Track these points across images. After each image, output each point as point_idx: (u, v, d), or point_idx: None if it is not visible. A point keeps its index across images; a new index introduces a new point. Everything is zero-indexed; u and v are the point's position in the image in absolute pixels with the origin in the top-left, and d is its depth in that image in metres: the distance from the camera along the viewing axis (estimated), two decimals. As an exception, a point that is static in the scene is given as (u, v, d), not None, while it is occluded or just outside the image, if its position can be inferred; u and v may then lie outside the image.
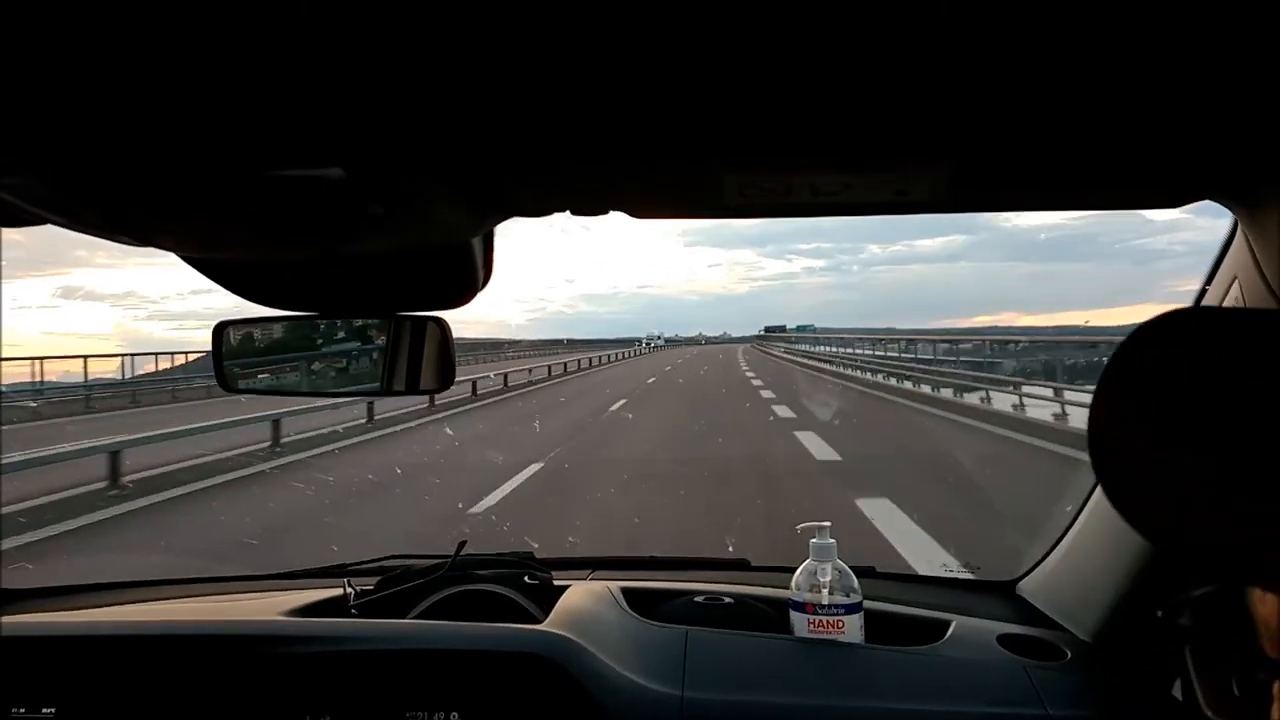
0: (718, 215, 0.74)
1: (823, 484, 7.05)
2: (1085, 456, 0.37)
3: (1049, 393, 11.29)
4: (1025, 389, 12.35)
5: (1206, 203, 0.73)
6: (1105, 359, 0.36)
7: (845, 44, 0.45)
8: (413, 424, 12.73)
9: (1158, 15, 0.42)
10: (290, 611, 1.18)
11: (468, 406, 16.10)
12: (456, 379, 0.99)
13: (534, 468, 8.07)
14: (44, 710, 1.02)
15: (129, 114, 0.50)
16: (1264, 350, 0.32)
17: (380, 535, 5.34)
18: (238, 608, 1.31)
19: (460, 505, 6.41)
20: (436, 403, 14.61)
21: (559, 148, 0.59)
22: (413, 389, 0.98)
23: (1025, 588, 1.29)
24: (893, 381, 18.99)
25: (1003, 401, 12.63)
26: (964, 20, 0.42)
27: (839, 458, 8.25)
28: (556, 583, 1.26)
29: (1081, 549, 1.18)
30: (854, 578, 1.12)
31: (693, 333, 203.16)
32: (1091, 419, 0.33)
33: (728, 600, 1.21)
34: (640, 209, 0.72)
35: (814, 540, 1.13)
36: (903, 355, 22.30)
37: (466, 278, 0.84)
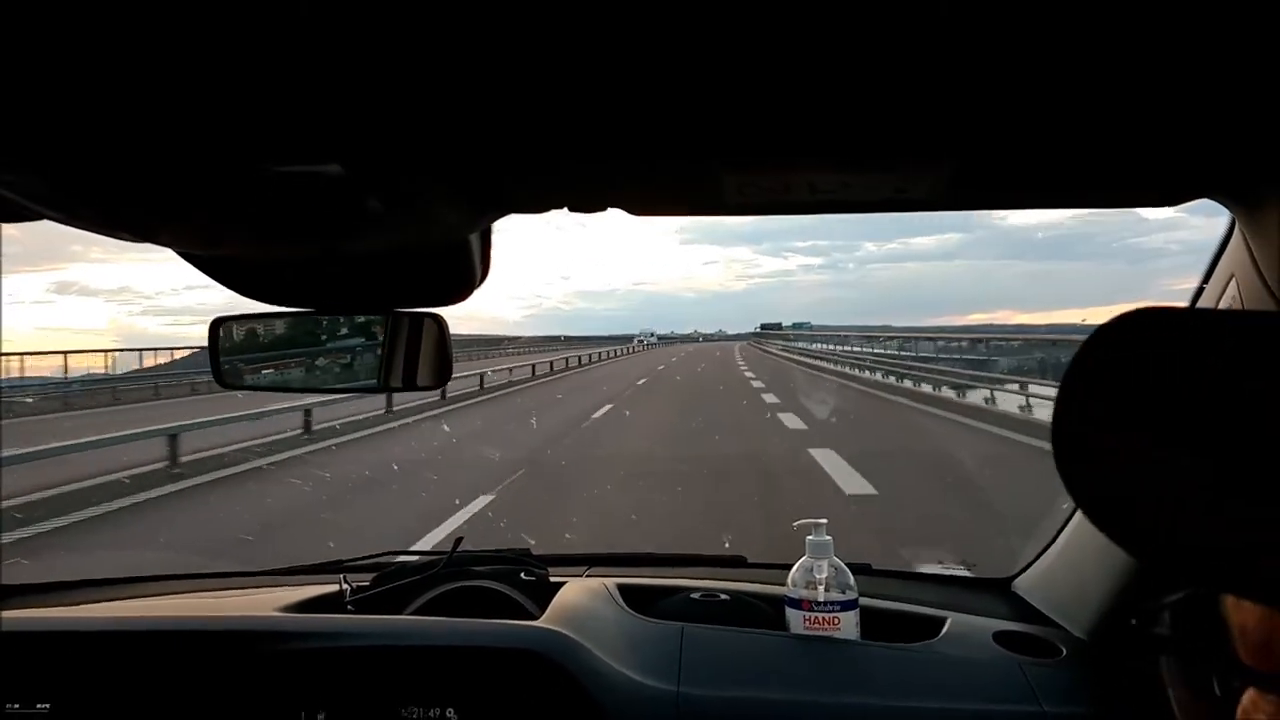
0: (716, 213, 0.74)
1: (857, 533, 5.07)
2: None
3: (1052, 392, 10.85)
4: (1032, 389, 12.00)
5: (1203, 201, 0.73)
6: None
7: (844, 44, 0.45)
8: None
9: (1156, 14, 0.42)
10: (286, 607, 1.18)
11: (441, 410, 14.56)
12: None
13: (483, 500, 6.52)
14: (39, 706, 1.02)
15: (128, 110, 0.50)
16: (1228, 350, 0.32)
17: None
18: (234, 603, 1.31)
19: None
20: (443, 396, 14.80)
21: (558, 147, 0.59)
22: (409, 385, 0.98)
23: (1021, 585, 1.30)
24: (908, 384, 17.48)
25: (1010, 403, 12.17)
26: (963, 20, 0.42)
27: (872, 489, 6.41)
28: (553, 579, 1.26)
29: (1077, 546, 1.18)
30: (850, 574, 1.12)
31: (688, 330, 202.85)
32: (1055, 422, 0.33)
33: (724, 597, 1.21)
34: (639, 206, 0.72)
35: (810, 537, 1.13)
36: (903, 354, 21.91)
37: (464, 274, 0.84)
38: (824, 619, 1.10)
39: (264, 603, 1.21)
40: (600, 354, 45.87)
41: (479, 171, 0.63)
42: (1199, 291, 0.91)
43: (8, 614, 1.15)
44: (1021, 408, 11.55)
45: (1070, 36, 0.44)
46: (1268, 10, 0.41)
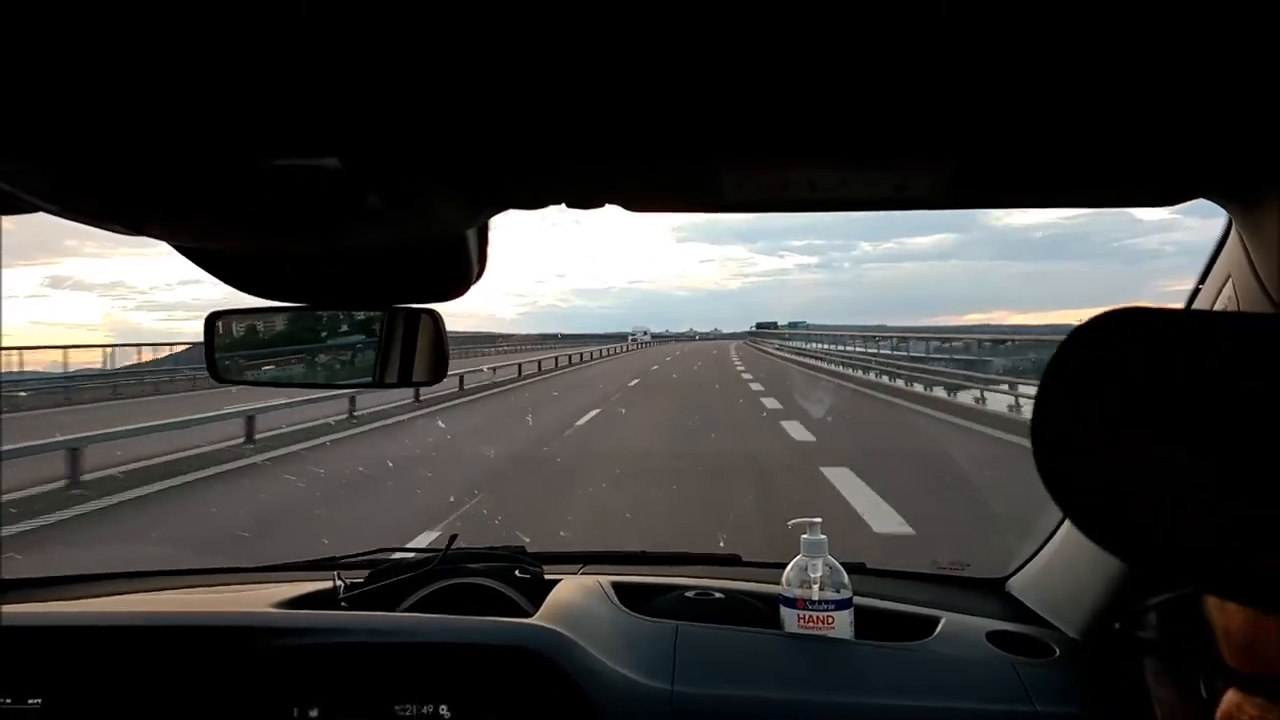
0: (715, 210, 0.74)
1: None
2: None
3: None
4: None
5: (1199, 202, 0.73)
6: None
7: (844, 41, 0.45)
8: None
9: (1155, 14, 0.42)
10: (280, 603, 1.17)
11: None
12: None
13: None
14: (30, 701, 1.02)
15: (126, 102, 0.50)
16: (1208, 350, 0.32)
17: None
18: (227, 599, 1.31)
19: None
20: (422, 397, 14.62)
21: (557, 143, 0.59)
22: (405, 381, 0.98)
23: (1015, 585, 1.30)
24: (918, 388, 16.22)
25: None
26: (962, 20, 0.42)
27: (909, 530, 5.24)
28: (547, 577, 1.26)
29: (1070, 547, 1.19)
30: (844, 574, 1.12)
31: (684, 328, 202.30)
32: (1034, 422, 0.33)
33: (718, 595, 1.21)
34: (637, 203, 0.72)
35: (805, 536, 1.13)
36: (908, 354, 21.35)
37: (460, 270, 0.83)
38: (818, 618, 1.10)
39: (258, 599, 1.21)
40: (592, 353, 44.95)
41: (477, 167, 0.62)
42: (1195, 292, 0.92)
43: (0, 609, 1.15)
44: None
45: (1069, 36, 0.44)
46: (1266, 11, 0.41)
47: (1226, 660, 0.40)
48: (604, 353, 49.03)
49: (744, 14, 0.42)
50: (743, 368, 28.86)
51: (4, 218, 0.69)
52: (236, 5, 0.41)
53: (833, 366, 25.97)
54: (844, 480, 6.67)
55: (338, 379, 1.05)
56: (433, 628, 1.06)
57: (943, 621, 1.15)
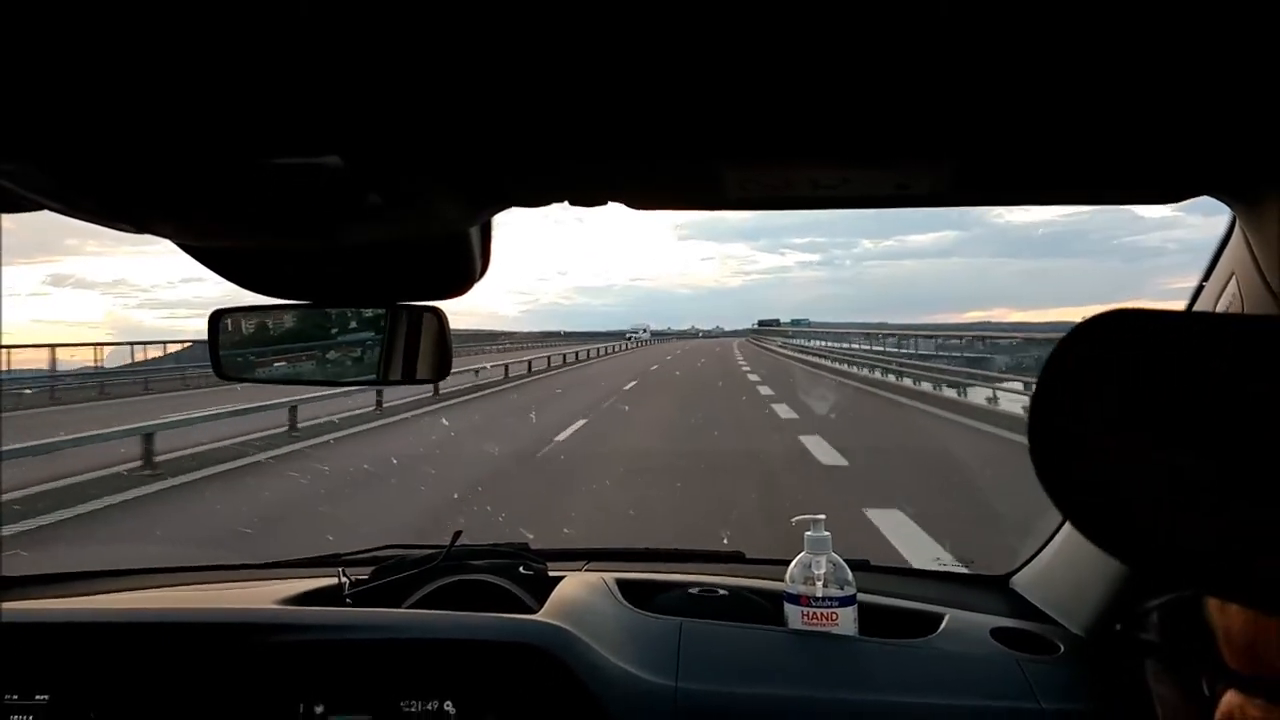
0: (718, 207, 0.74)
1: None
2: None
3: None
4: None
5: (1201, 200, 0.73)
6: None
7: (846, 41, 0.45)
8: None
9: (1158, 12, 0.42)
10: (285, 600, 1.18)
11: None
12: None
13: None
14: (38, 697, 1.02)
15: (129, 101, 0.50)
16: (1206, 351, 0.32)
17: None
18: (232, 596, 1.31)
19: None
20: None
21: (559, 142, 0.59)
22: (409, 378, 0.98)
23: (1019, 582, 1.30)
24: (950, 393, 14.43)
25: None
26: (964, 18, 0.42)
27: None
28: (551, 573, 1.26)
29: (1074, 544, 1.19)
30: (848, 571, 1.13)
31: (685, 326, 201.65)
32: (1031, 422, 0.33)
33: (722, 592, 1.21)
34: (640, 201, 0.72)
35: (809, 533, 1.14)
36: (913, 351, 20.74)
37: (464, 268, 0.83)
38: (822, 614, 1.10)
39: (262, 595, 1.21)
40: (589, 351, 42.97)
41: (479, 165, 0.63)
42: (1199, 290, 0.91)
43: (7, 605, 1.16)
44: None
45: (1071, 33, 0.44)
46: (1269, 8, 0.41)
47: (1227, 662, 0.40)
48: (602, 351, 47.43)
49: (746, 12, 0.42)
50: (748, 368, 26.96)
51: (5, 216, 0.69)
52: (239, 5, 0.41)
53: (842, 366, 24.27)
54: (898, 529, 5.23)
55: (342, 376, 1.06)
56: (437, 624, 1.07)
57: (947, 618, 1.15)
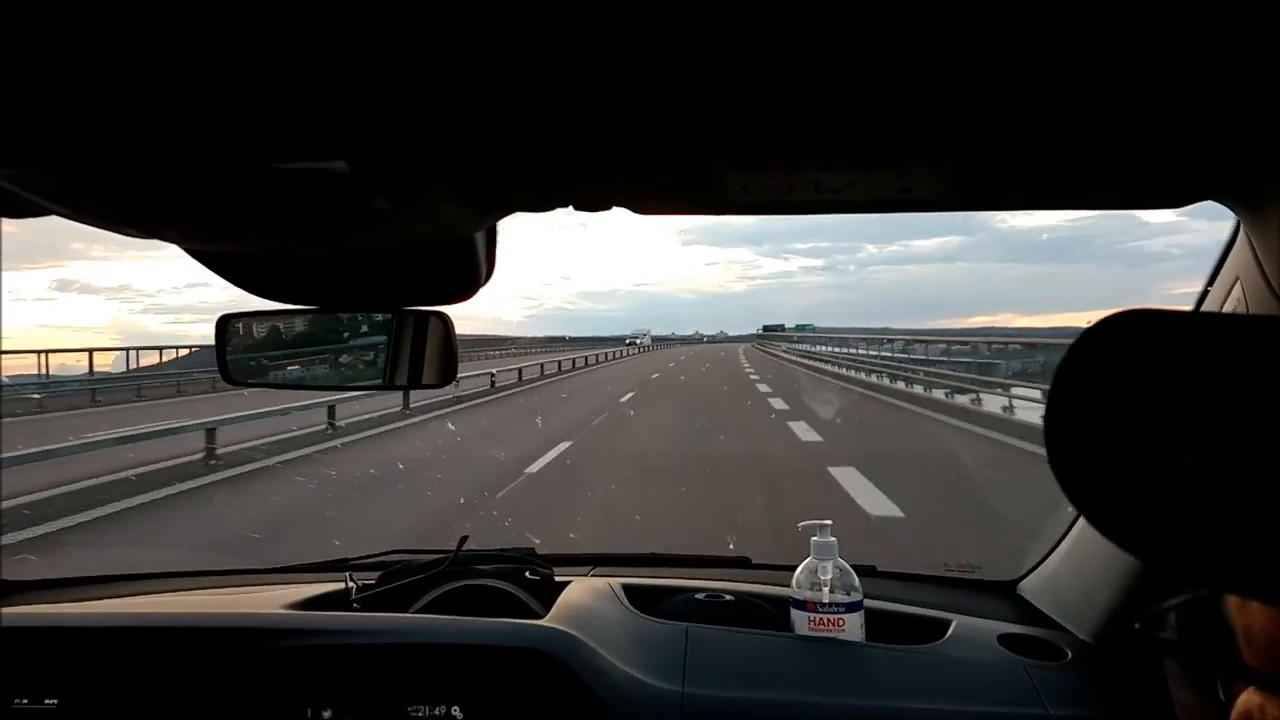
0: (721, 212, 0.74)
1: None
2: None
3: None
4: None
5: (1206, 205, 0.73)
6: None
7: (849, 42, 0.45)
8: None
9: (1161, 15, 0.42)
10: (292, 605, 1.18)
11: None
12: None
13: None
14: (47, 701, 1.03)
15: (137, 106, 0.50)
16: (1220, 351, 0.32)
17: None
18: (239, 600, 1.32)
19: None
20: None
21: (563, 147, 0.59)
22: (415, 383, 0.98)
23: (1026, 588, 1.30)
24: (986, 406, 12.85)
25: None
26: (966, 19, 0.43)
27: None
28: (557, 579, 1.26)
29: (1082, 549, 1.18)
30: (855, 576, 1.12)
31: (689, 331, 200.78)
32: (1048, 423, 0.33)
33: (729, 598, 1.21)
34: (644, 205, 0.72)
35: (815, 539, 1.13)
36: (935, 358, 19.65)
37: (469, 272, 0.84)
38: (829, 620, 1.10)
39: (270, 600, 1.22)
40: (587, 358, 39.70)
41: (485, 170, 0.63)
42: (1203, 295, 0.91)
43: (17, 610, 1.16)
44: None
45: (1074, 37, 0.44)
46: (1271, 11, 0.41)
47: (1247, 660, 0.41)
48: (602, 358, 44.40)
49: (748, 16, 0.43)
50: (755, 376, 24.56)
51: (9, 221, 0.69)
52: (246, 12, 0.42)
53: (862, 375, 21.95)
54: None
55: (348, 381, 1.06)
56: (444, 629, 1.07)
57: (954, 624, 1.15)
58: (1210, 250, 0.90)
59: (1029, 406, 11.27)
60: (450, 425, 12.69)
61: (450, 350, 0.95)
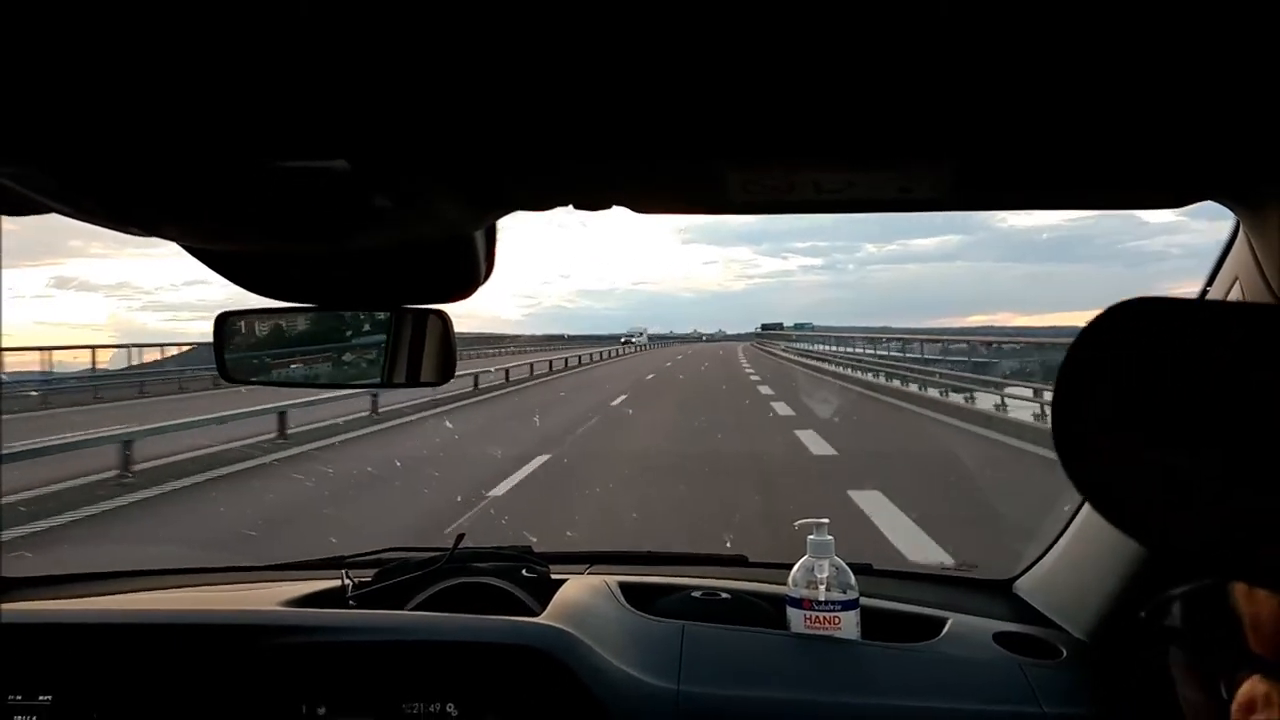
0: (721, 211, 0.74)
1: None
2: None
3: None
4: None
5: (1206, 205, 0.73)
6: None
7: (849, 42, 0.45)
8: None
9: (1161, 15, 0.42)
10: (288, 602, 1.18)
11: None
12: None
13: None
14: (41, 698, 1.03)
15: (137, 104, 0.50)
16: (1224, 339, 0.33)
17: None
18: (235, 597, 1.32)
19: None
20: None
21: (563, 146, 0.59)
22: (413, 381, 0.98)
23: (1022, 586, 1.30)
24: (993, 406, 12.13)
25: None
26: (966, 19, 0.43)
27: None
28: (554, 576, 1.27)
29: (1078, 548, 1.18)
30: (851, 574, 1.12)
31: (688, 329, 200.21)
32: (1055, 415, 0.34)
33: (725, 596, 1.21)
34: (643, 204, 0.72)
35: (811, 537, 1.14)
36: (939, 357, 19.57)
37: (469, 271, 0.84)
38: (825, 618, 1.10)
39: (266, 597, 1.22)
40: (580, 358, 37.99)
41: (484, 169, 0.63)
42: (1203, 294, 0.91)
43: (11, 606, 1.16)
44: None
45: (1073, 37, 0.44)
46: (1271, 11, 0.41)
47: (1253, 648, 0.41)
48: (596, 357, 42.88)
49: (748, 15, 0.43)
50: (756, 377, 23.39)
51: (9, 218, 0.69)
52: (247, 10, 0.42)
53: (866, 375, 20.95)
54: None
55: (346, 379, 1.06)
56: (440, 626, 1.07)
57: (950, 622, 1.15)
58: (1209, 250, 0.91)
59: (1025, 406, 11.38)
60: (419, 433, 11.68)
61: (449, 348, 0.95)
